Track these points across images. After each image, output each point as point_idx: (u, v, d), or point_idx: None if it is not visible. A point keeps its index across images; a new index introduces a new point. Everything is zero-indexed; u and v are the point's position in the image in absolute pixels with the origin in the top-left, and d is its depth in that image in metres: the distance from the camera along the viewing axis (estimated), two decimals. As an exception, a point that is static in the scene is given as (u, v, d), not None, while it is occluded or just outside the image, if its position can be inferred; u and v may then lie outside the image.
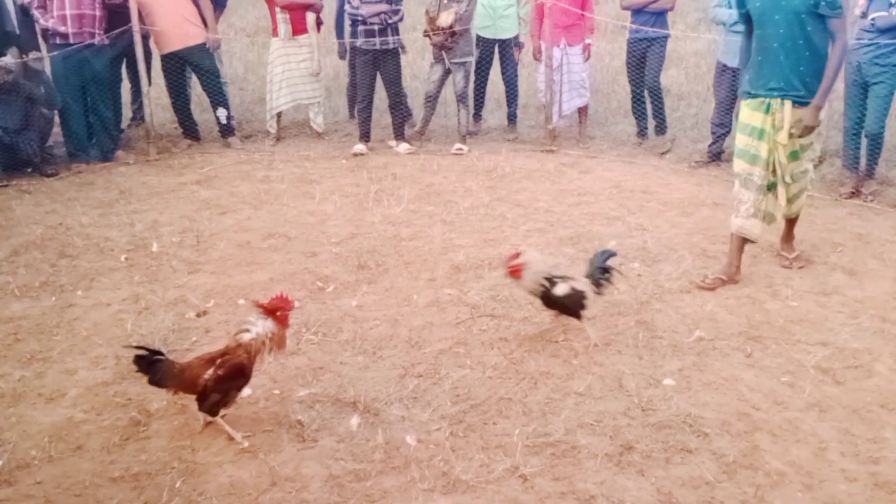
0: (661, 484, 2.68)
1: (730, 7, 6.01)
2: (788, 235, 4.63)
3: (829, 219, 5.32)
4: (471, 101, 7.54)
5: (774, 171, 4.21)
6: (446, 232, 5.14)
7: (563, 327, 3.80)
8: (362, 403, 3.16)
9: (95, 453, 2.88)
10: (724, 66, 6.36)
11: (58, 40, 6.56)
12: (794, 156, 4.22)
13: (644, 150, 7.17)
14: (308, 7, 7.27)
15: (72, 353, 3.63)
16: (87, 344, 3.71)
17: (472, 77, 7.40)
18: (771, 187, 4.27)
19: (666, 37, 7.09)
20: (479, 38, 7.42)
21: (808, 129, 4.07)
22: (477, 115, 8.02)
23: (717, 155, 6.62)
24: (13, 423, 3.07)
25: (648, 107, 7.36)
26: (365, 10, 6.85)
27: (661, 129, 7.38)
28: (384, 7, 6.85)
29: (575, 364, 3.49)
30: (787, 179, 4.21)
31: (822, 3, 3.89)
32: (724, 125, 6.51)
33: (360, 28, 6.93)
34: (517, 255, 3.60)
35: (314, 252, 4.81)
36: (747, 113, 4.22)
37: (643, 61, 7.07)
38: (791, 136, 4.09)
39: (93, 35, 6.64)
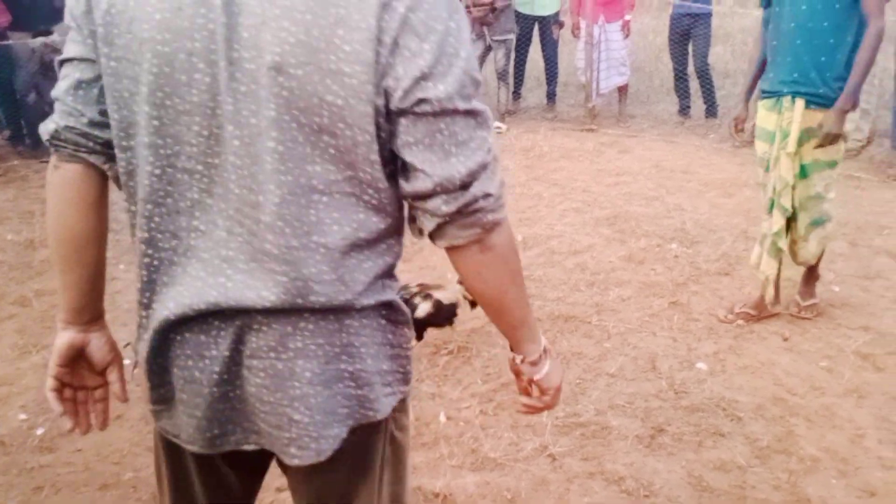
0: (692, 467, 2.65)
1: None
2: (808, 276, 3.65)
3: (876, 201, 5.17)
4: (510, 79, 7.48)
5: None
6: (482, 211, 5.11)
7: (596, 307, 3.77)
8: (393, 380, 3.19)
9: (134, 423, 2.95)
10: (772, 43, 6.20)
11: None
12: (802, 172, 3.32)
13: (686, 130, 7.04)
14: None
15: (114, 325, 3.66)
16: (128, 317, 3.79)
17: (513, 55, 7.34)
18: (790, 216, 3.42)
19: (711, 13, 6.94)
20: (518, 14, 7.34)
21: (832, 138, 3.18)
22: (516, 94, 7.96)
23: (762, 135, 6.48)
24: (56, 392, 3.15)
25: (692, 85, 7.21)
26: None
27: (710, 111, 7.24)
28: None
29: (607, 346, 3.47)
30: (785, 204, 3.33)
31: None
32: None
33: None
34: None
35: (350, 229, 4.84)
36: (762, 115, 3.45)
37: (686, 38, 6.93)
38: (802, 143, 3.26)
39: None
